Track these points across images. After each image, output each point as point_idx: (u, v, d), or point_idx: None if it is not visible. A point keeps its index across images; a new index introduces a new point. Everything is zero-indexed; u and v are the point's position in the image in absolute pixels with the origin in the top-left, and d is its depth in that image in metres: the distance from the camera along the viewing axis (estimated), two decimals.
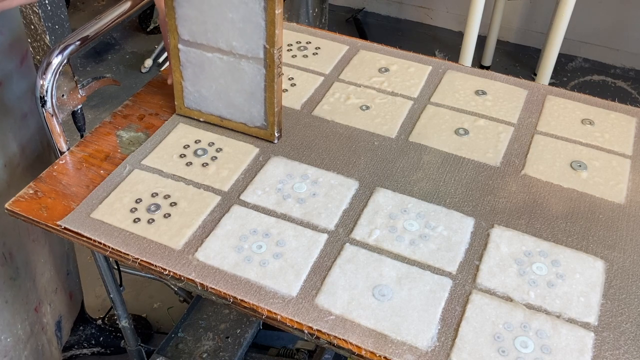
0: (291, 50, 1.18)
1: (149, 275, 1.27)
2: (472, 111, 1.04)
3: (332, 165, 0.93)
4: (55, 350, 1.31)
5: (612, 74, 2.48)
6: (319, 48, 1.19)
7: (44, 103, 0.89)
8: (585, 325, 0.72)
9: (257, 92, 0.92)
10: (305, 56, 1.16)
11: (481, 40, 2.33)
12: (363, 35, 2.67)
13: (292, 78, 1.10)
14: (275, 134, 0.95)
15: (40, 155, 1.13)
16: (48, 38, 2.15)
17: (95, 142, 0.97)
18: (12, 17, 1.01)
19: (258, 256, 0.79)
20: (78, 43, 0.91)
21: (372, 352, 0.69)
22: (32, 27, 2.14)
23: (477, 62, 2.50)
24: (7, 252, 1.09)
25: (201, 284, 0.75)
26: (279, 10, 0.82)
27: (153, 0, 1.01)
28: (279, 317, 0.72)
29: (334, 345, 0.70)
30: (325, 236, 0.82)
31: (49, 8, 2.12)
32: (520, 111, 1.04)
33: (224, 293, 0.75)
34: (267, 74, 0.89)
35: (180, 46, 0.93)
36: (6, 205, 0.86)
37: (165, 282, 1.04)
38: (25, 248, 1.14)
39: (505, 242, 0.81)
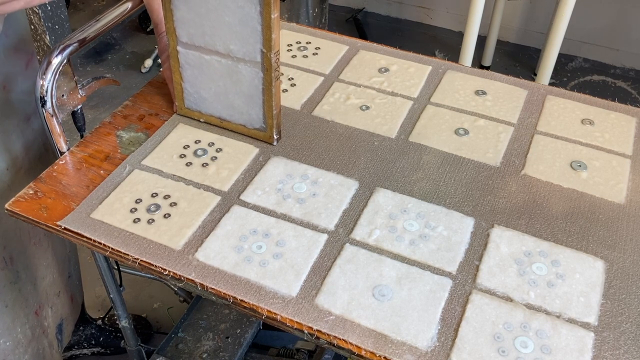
0: (291, 50, 1.18)
1: (149, 275, 1.27)
2: (472, 111, 1.04)
3: (332, 165, 0.93)
4: (56, 354, 1.31)
5: (612, 74, 2.48)
6: (319, 48, 1.19)
7: (44, 103, 0.89)
8: (585, 325, 0.72)
9: (255, 95, 0.92)
10: (305, 56, 1.16)
11: (481, 40, 2.33)
12: (363, 35, 2.67)
13: (292, 78, 1.10)
14: (274, 136, 0.95)
15: (43, 157, 1.13)
16: (48, 38, 2.15)
17: (95, 142, 0.97)
18: (17, 19, 1.00)
19: (258, 256, 0.79)
20: (78, 43, 0.91)
21: (372, 352, 0.69)
22: (32, 27, 2.14)
23: (477, 62, 2.50)
24: (8, 256, 1.09)
25: (201, 284, 0.75)
26: (275, 15, 0.82)
27: None
28: (279, 317, 0.72)
29: (334, 345, 0.70)
30: (325, 236, 0.82)
31: (49, 8, 2.12)
32: (520, 111, 1.04)
33: (224, 293, 0.75)
34: (264, 78, 0.89)
35: (179, 48, 0.93)
36: (6, 206, 0.86)
37: (165, 282, 1.04)
38: (26, 252, 1.14)
39: (505, 242, 0.81)
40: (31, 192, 0.88)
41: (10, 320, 1.13)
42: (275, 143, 0.96)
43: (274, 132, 0.94)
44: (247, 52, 0.88)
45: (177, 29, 0.91)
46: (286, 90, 1.07)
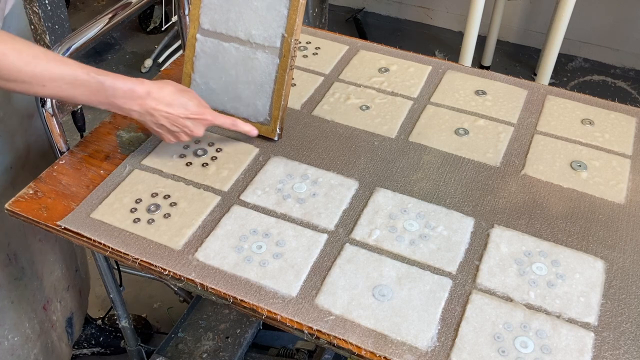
0: None
1: (149, 275, 1.27)
2: (472, 111, 1.04)
3: (332, 165, 0.93)
4: (66, 347, 1.31)
5: (612, 74, 2.48)
6: (319, 48, 1.19)
7: (43, 103, 0.89)
8: (585, 325, 0.72)
9: (267, 84, 0.92)
10: (305, 56, 1.16)
11: (481, 40, 2.33)
12: (363, 35, 2.67)
13: (292, 78, 1.10)
14: (277, 130, 0.95)
15: (47, 156, 1.13)
16: (48, 38, 2.15)
17: (95, 142, 0.97)
18: (18, 17, 1.00)
19: (258, 256, 0.79)
20: (78, 43, 0.91)
21: (372, 352, 0.69)
22: (32, 27, 2.14)
23: (477, 62, 2.50)
24: (12, 254, 1.09)
25: (201, 284, 0.75)
26: (302, 0, 0.85)
27: (153, 0, 1.01)
28: (279, 317, 0.72)
29: (334, 345, 0.70)
30: (325, 236, 0.82)
31: (49, 8, 2.11)
32: (520, 111, 1.04)
33: (224, 293, 0.75)
34: (280, 64, 0.90)
35: (198, 36, 0.94)
36: (6, 206, 0.86)
37: (165, 282, 1.03)
38: (31, 248, 1.14)
39: (505, 242, 0.81)
40: (31, 192, 0.88)
41: (17, 316, 1.13)
42: (276, 138, 0.96)
43: (277, 126, 0.94)
44: (268, 36, 0.90)
45: (201, 15, 0.93)
46: None
